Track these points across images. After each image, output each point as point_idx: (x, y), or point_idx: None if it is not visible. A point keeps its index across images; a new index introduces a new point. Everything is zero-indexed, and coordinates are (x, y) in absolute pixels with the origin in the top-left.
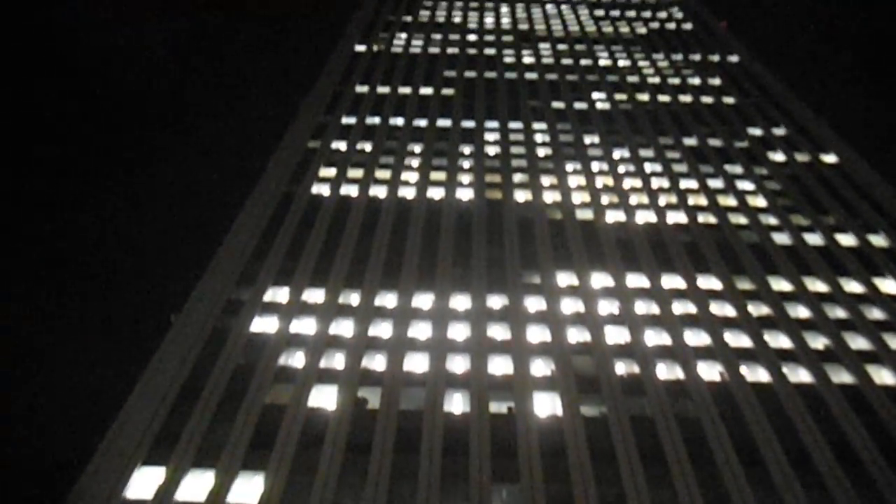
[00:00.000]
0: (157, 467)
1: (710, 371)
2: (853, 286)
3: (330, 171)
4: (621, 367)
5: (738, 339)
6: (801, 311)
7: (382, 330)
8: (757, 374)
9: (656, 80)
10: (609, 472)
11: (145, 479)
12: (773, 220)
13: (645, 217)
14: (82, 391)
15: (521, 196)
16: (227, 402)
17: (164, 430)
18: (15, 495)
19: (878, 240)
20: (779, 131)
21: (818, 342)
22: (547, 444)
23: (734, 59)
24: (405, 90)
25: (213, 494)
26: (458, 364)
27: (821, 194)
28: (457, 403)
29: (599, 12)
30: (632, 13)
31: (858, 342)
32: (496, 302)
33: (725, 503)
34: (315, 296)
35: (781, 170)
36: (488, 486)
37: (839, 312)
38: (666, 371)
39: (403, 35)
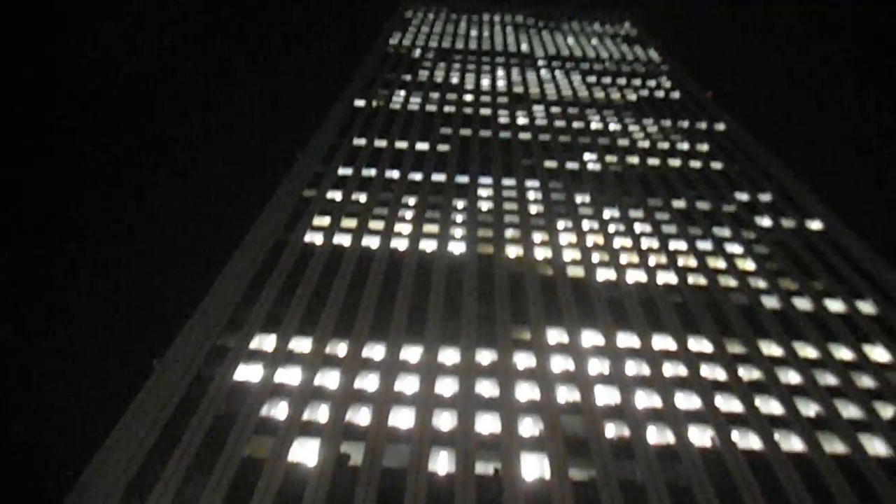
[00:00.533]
0: None
1: (701, 436)
2: (843, 353)
3: (324, 220)
4: (611, 429)
5: (729, 404)
6: (792, 377)
7: (369, 382)
8: (748, 440)
9: (646, 144)
10: None
11: None
12: (761, 284)
13: (635, 276)
14: (56, 435)
15: (513, 251)
16: (205, 452)
17: (137, 479)
18: None
19: (865, 306)
20: (765, 197)
21: (809, 409)
22: None
23: (720, 126)
24: (402, 144)
25: None
26: (445, 420)
27: (808, 259)
28: (442, 462)
29: (591, 78)
30: (622, 80)
31: (850, 410)
32: (485, 357)
33: None
34: (302, 345)
35: (768, 234)
36: None
37: (830, 379)
38: (656, 434)
39: (402, 92)
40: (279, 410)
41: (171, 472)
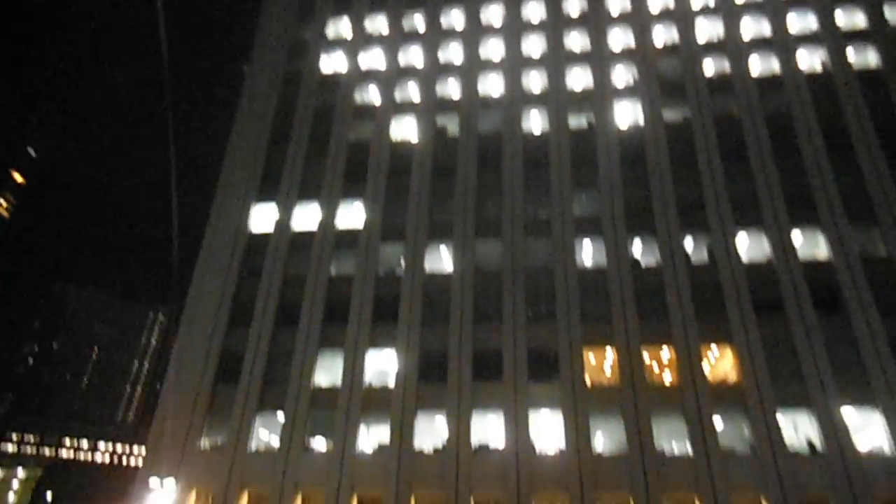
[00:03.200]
0: (269, 203)
1: (810, 58)
2: None
3: None
4: (710, 65)
5: (849, 18)
6: None
7: (453, 52)
8: (867, 57)
9: None
10: (688, 174)
11: (262, 214)
12: None
13: None
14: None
15: None
16: (314, 142)
17: (265, 171)
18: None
19: None
20: None
21: None
22: (627, 152)
23: None
24: None
25: (324, 223)
26: (535, 80)
27: None
28: (535, 121)
29: None
30: None
31: None
32: (573, 5)
33: (805, 194)
34: (378, 23)
35: None
36: (569, 193)
37: None
38: (760, 64)
39: None
40: (372, 95)
41: (290, 162)
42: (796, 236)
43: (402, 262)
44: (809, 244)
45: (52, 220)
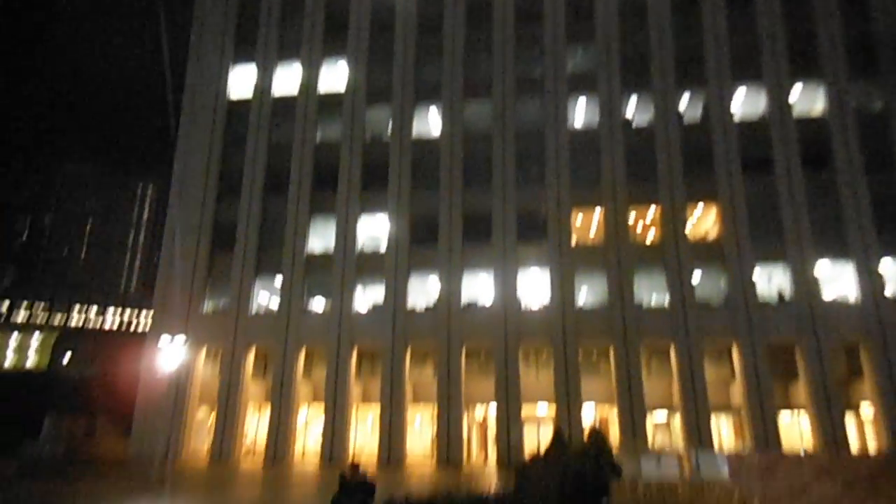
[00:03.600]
0: (247, 65)
1: None
2: None
3: None
4: None
5: None
6: None
7: None
8: None
9: None
10: (689, 24)
11: (241, 77)
12: None
13: None
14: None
15: None
16: None
17: (239, 28)
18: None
19: None
20: None
21: None
22: (627, 2)
23: None
24: None
25: (305, 86)
26: None
27: None
28: None
29: None
30: None
31: None
32: None
33: (810, 44)
34: None
35: None
36: (563, 48)
37: None
38: None
39: None
40: None
41: (265, 18)
42: (795, 90)
43: (390, 126)
44: (807, 99)
45: (32, 93)
